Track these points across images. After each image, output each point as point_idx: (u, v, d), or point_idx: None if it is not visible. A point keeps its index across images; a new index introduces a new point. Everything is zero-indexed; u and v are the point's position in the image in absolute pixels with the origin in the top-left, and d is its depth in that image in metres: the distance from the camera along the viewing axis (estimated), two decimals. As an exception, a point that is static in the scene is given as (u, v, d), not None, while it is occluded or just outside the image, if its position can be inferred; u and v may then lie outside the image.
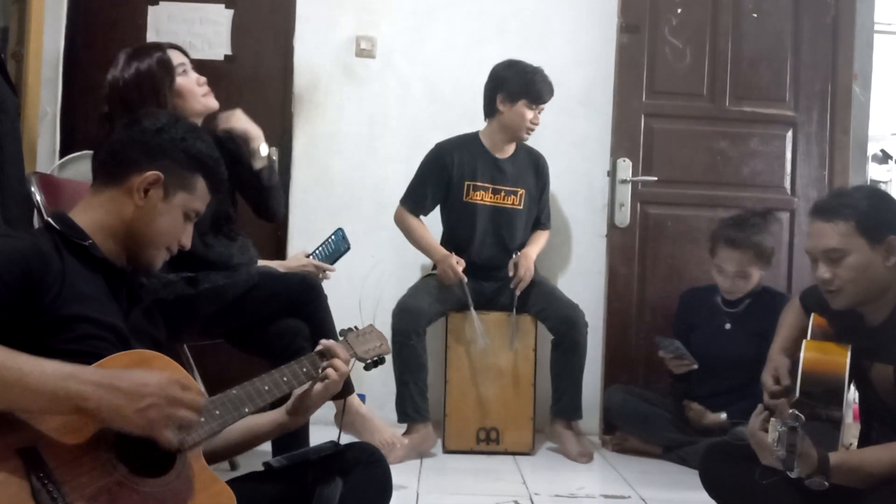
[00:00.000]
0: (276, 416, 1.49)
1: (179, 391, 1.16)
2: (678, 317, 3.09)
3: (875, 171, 4.20)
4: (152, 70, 2.22)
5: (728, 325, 2.92)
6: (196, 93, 2.29)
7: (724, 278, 2.87)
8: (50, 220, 1.37)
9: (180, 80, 2.26)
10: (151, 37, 3.35)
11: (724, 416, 2.73)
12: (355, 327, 1.62)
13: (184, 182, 1.43)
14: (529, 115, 2.97)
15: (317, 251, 2.59)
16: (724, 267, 2.86)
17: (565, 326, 2.91)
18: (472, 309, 2.96)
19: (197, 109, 2.30)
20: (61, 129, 3.32)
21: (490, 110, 3.06)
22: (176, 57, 2.29)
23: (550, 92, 3.00)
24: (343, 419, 2.42)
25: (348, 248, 2.61)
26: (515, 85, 2.95)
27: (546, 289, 3.05)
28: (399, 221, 3.13)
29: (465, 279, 2.96)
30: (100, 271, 1.37)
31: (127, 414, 1.12)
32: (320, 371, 1.47)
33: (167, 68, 2.24)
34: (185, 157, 1.42)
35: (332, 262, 2.58)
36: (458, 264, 2.96)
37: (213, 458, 1.45)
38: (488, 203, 3.09)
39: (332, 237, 2.61)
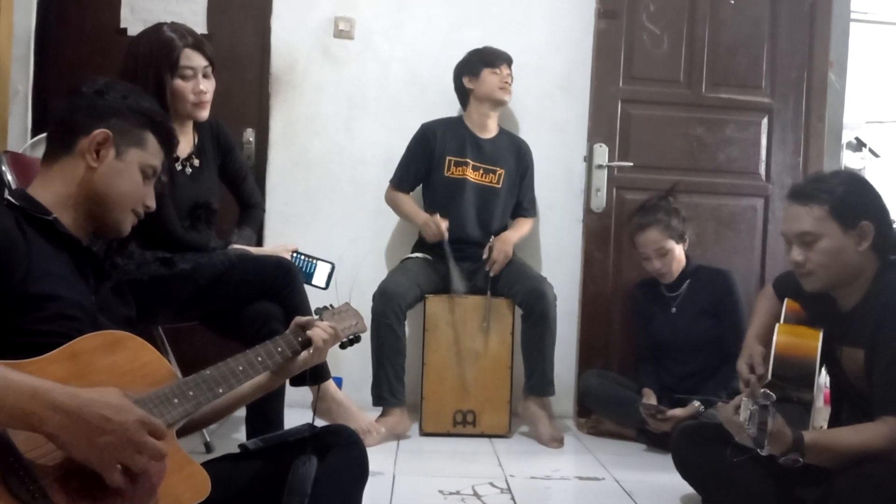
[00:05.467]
0: (256, 377, 1.47)
1: (143, 435, 1.11)
2: (635, 309, 3.15)
3: (849, 159, 4.25)
4: (155, 52, 2.26)
5: (674, 310, 2.98)
6: (186, 100, 2.30)
7: (650, 262, 2.96)
8: (10, 198, 1.34)
9: (178, 82, 2.28)
10: (126, 14, 3.30)
11: (696, 403, 2.75)
12: (331, 305, 1.61)
13: (135, 138, 1.42)
14: (494, 77, 3.12)
15: (301, 256, 2.52)
16: (645, 252, 2.96)
17: (532, 298, 2.94)
18: (450, 259, 3.00)
19: (181, 113, 2.32)
20: (33, 108, 3.26)
21: (463, 96, 3.21)
22: (191, 58, 2.29)
23: (504, 56, 3.17)
24: (319, 406, 2.43)
25: (324, 288, 2.49)
26: (473, 61, 3.17)
27: (516, 267, 3.08)
28: (387, 199, 3.23)
29: (447, 236, 3.01)
30: (65, 248, 1.35)
31: (82, 445, 1.07)
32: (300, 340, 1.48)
33: (168, 59, 2.25)
34: (131, 114, 1.42)
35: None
36: (442, 222, 3.03)
37: (193, 426, 1.45)
38: (469, 178, 3.14)
39: (323, 265, 2.51)
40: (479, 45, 3.20)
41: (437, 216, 3.05)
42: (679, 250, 2.96)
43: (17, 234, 1.26)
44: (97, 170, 1.38)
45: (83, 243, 1.39)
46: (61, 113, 1.42)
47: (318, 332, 1.48)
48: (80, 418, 1.06)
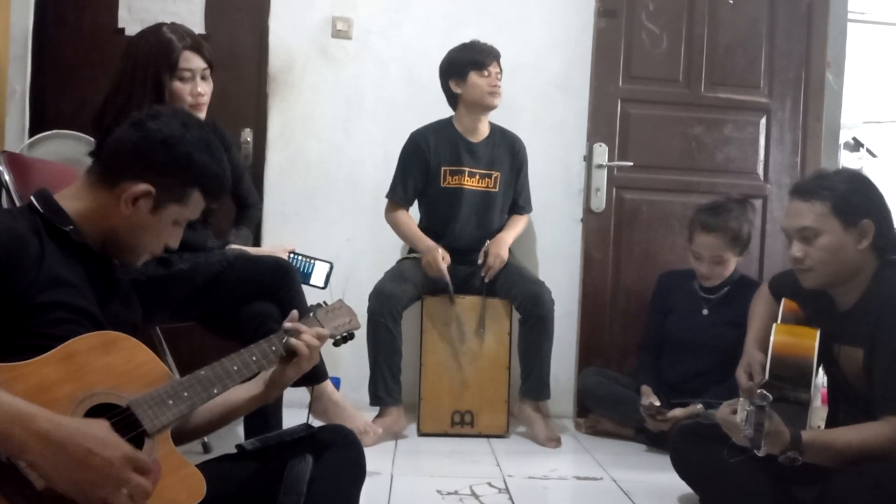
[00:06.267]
0: (252, 388, 1.47)
1: (127, 472, 1.07)
2: (656, 297, 3.09)
3: (847, 159, 4.25)
4: (154, 52, 2.25)
5: (705, 311, 2.92)
6: (184, 101, 2.29)
7: (701, 264, 2.87)
8: (33, 199, 1.33)
9: (176, 84, 2.27)
10: (123, 14, 3.30)
11: (699, 406, 2.73)
12: (324, 303, 1.60)
13: (178, 195, 1.38)
14: (483, 81, 3.00)
15: (299, 257, 2.50)
16: (700, 252, 2.86)
17: (531, 302, 2.93)
18: (453, 303, 2.99)
19: None
20: (30, 108, 3.26)
21: (452, 99, 3.11)
22: (189, 60, 2.28)
23: (491, 54, 3.04)
24: (316, 406, 2.42)
25: (322, 287, 2.48)
26: (458, 64, 3.03)
27: (514, 269, 3.07)
28: (388, 218, 3.16)
29: (448, 279, 2.97)
30: (79, 256, 1.34)
31: (64, 478, 1.04)
32: (287, 345, 1.44)
33: (167, 60, 2.25)
34: (186, 174, 1.37)
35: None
36: (444, 260, 2.97)
37: (190, 435, 1.44)
38: (465, 187, 3.10)
39: (321, 265, 2.49)
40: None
41: (440, 251, 2.98)
42: (734, 262, 2.88)
43: (31, 238, 1.25)
44: (128, 218, 1.35)
45: (98, 254, 1.38)
46: (119, 144, 1.37)
47: (301, 344, 1.43)
48: (63, 450, 1.03)
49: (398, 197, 3.12)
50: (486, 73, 3.01)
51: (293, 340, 1.42)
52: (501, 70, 3.08)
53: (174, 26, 2.32)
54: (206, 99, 2.34)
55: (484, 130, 3.16)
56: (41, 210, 1.31)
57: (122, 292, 1.45)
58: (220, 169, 1.42)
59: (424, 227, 3.15)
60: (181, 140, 1.37)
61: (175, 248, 1.45)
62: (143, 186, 1.34)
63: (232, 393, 1.40)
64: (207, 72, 2.34)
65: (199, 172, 1.38)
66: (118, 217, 1.35)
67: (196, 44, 2.32)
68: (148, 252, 1.42)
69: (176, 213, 1.39)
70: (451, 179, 3.09)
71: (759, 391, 1.72)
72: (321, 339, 1.46)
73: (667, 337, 2.99)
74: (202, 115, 2.36)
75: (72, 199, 1.36)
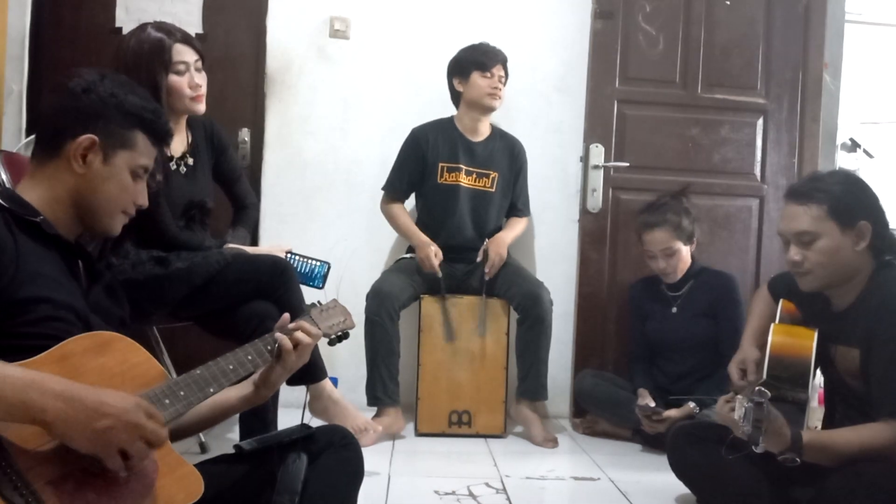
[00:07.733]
0: (243, 389, 1.46)
1: (143, 418, 1.11)
2: (631, 308, 3.14)
3: (844, 160, 4.25)
4: (146, 51, 2.26)
5: (674, 310, 2.97)
6: (183, 94, 2.31)
7: (656, 261, 2.95)
8: None
9: (173, 78, 2.28)
10: (121, 14, 3.30)
11: (692, 405, 2.75)
12: (318, 302, 1.60)
13: (122, 140, 1.37)
14: (484, 82, 3.04)
15: (296, 257, 2.50)
16: (651, 250, 2.94)
17: (529, 302, 2.94)
18: (444, 301, 2.99)
19: (178, 109, 2.34)
20: (27, 107, 3.25)
21: (455, 97, 3.15)
22: (182, 53, 2.29)
23: (496, 57, 3.08)
24: (315, 405, 2.42)
25: (320, 288, 2.49)
26: (463, 63, 3.08)
27: (512, 269, 3.07)
28: (383, 209, 3.19)
29: (441, 274, 2.98)
30: (55, 248, 1.33)
31: (82, 431, 1.07)
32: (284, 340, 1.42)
33: (160, 56, 2.26)
34: (119, 114, 1.36)
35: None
36: (437, 256, 2.99)
37: (181, 434, 1.44)
38: (462, 184, 3.11)
39: (318, 265, 2.50)
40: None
41: (434, 247, 3.00)
42: (686, 251, 2.95)
43: (5, 235, 1.24)
44: (84, 175, 1.35)
45: (73, 243, 1.37)
46: (48, 113, 1.39)
47: (285, 339, 1.42)
48: (79, 402, 1.07)
49: (394, 190, 3.15)
50: (488, 74, 3.04)
51: (278, 334, 1.42)
52: (507, 75, 3.11)
53: (160, 24, 2.33)
54: (203, 90, 2.35)
55: (484, 131, 3.18)
56: (7, 206, 1.30)
57: (104, 283, 1.44)
58: (152, 105, 1.43)
59: (421, 222, 3.16)
60: (102, 84, 1.37)
61: (145, 204, 1.44)
62: (85, 137, 1.33)
63: (222, 393, 1.39)
64: (200, 63, 2.35)
65: (131, 110, 1.38)
66: (75, 180, 1.35)
67: (186, 37, 2.33)
68: (119, 210, 1.40)
69: (128, 160, 1.38)
70: (447, 176, 3.11)
71: (757, 388, 1.72)
72: (312, 336, 1.45)
73: (649, 343, 3.02)
74: (202, 107, 2.36)
75: (31, 190, 1.35)
